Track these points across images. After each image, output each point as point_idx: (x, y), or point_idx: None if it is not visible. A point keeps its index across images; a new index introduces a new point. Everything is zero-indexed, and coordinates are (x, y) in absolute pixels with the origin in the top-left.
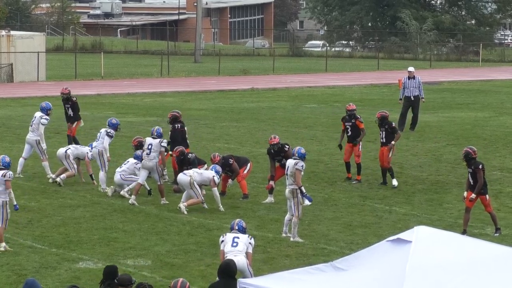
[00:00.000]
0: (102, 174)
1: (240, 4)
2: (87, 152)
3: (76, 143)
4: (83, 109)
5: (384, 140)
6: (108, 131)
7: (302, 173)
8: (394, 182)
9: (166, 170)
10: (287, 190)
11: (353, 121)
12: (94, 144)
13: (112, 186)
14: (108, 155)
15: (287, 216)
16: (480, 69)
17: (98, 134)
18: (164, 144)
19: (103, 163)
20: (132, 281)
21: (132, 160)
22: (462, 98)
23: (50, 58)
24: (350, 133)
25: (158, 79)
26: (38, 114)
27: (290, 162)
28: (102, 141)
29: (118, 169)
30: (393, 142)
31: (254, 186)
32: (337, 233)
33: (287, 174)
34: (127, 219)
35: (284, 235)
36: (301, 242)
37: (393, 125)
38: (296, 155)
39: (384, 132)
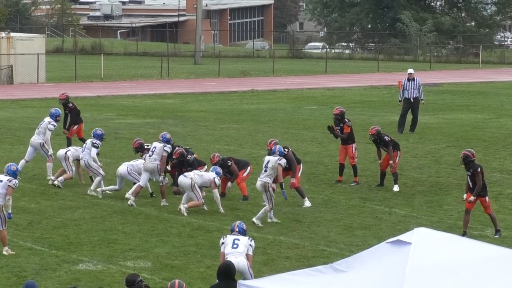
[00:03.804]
0: (99, 179)
1: (240, 6)
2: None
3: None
4: (83, 111)
5: (386, 150)
6: (94, 141)
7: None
8: (396, 188)
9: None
10: (259, 183)
11: (341, 125)
12: (81, 155)
13: (99, 189)
14: (99, 163)
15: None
16: (480, 71)
17: (84, 145)
18: (167, 149)
19: (96, 171)
20: (136, 282)
21: (141, 161)
22: (462, 100)
23: (50, 60)
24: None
25: (158, 81)
26: (47, 119)
27: (272, 158)
28: (89, 152)
29: (127, 163)
30: (391, 162)
31: (254, 187)
32: (337, 235)
33: (266, 167)
34: (127, 220)
35: (269, 220)
36: (261, 226)
37: (387, 140)
38: (277, 153)
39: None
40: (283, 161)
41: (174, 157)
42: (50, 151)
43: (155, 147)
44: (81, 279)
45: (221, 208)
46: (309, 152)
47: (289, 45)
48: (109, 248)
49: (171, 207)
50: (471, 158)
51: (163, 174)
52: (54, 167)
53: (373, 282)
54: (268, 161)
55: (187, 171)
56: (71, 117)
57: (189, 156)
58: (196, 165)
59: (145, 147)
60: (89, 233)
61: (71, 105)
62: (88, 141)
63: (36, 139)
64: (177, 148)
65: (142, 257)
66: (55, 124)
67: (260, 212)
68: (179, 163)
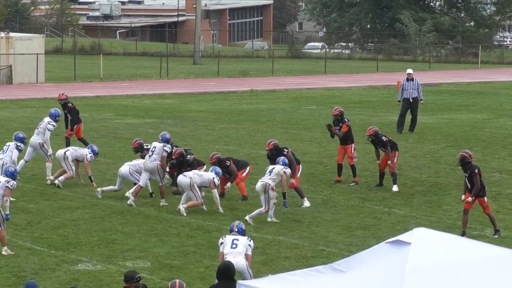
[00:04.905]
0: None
1: (239, 6)
2: (86, 154)
3: (86, 144)
4: (82, 111)
5: (384, 151)
6: (18, 144)
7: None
8: (395, 188)
9: (166, 175)
10: (259, 184)
11: (340, 124)
12: (0, 156)
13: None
14: (17, 167)
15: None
16: (479, 71)
17: (6, 147)
18: (167, 149)
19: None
20: (135, 278)
21: (142, 161)
22: (461, 100)
23: (49, 60)
24: (340, 135)
25: (157, 81)
26: (46, 119)
27: (277, 166)
28: (10, 154)
29: (129, 163)
30: (389, 162)
31: (253, 188)
32: (336, 235)
33: (270, 172)
34: (126, 220)
35: (269, 219)
36: (252, 224)
37: (385, 141)
38: (281, 163)
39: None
40: (288, 171)
41: (173, 157)
42: (50, 151)
43: (154, 147)
44: (80, 279)
45: (221, 208)
46: (308, 152)
47: (288, 45)
48: (108, 248)
49: (170, 207)
50: (468, 159)
51: (166, 173)
52: (54, 167)
53: (372, 282)
54: (273, 168)
55: (187, 171)
56: (71, 117)
57: (189, 156)
58: (195, 165)
59: (145, 147)
60: (88, 233)
61: (70, 105)
62: (12, 144)
63: (35, 139)
64: (176, 148)
65: (141, 257)
66: (54, 124)
67: (255, 212)
68: (179, 163)
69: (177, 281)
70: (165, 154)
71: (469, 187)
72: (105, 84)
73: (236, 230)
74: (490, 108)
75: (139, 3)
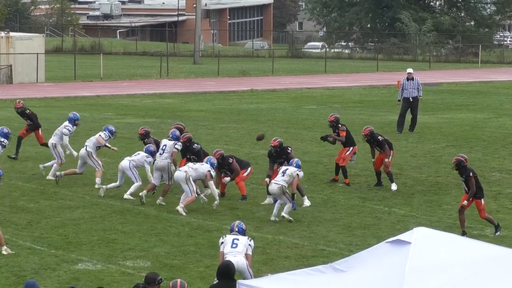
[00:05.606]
0: None
1: (239, 6)
2: (100, 134)
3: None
4: (82, 111)
5: (380, 150)
6: (1, 140)
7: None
8: (393, 187)
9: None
10: (275, 186)
11: (336, 131)
12: None
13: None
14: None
15: (278, 201)
16: (479, 71)
17: None
18: (178, 146)
19: None
20: (157, 280)
21: (142, 153)
22: (461, 100)
23: (49, 60)
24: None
25: (157, 80)
26: (65, 123)
27: (291, 168)
28: None
29: (129, 157)
30: (386, 160)
31: (253, 187)
32: (337, 235)
33: (284, 173)
34: (126, 220)
35: (273, 218)
36: (292, 220)
37: (380, 140)
38: (294, 165)
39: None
40: (301, 173)
41: (181, 141)
42: (62, 156)
43: (165, 145)
44: (81, 279)
45: (217, 199)
46: (309, 152)
47: (288, 45)
48: (108, 247)
49: (170, 206)
50: (464, 163)
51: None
52: (61, 168)
53: (372, 281)
54: (287, 169)
55: (191, 159)
56: (33, 122)
57: (195, 145)
58: (201, 155)
59: (151, 137)
60: (88, 233)
61: (28, 111)
62: None
63: (51, 140)
64: (185, 133)
65: (141, 256)
66: (70, 128)
67: (284, 209)
68: (185, 147)
69: (178, 280)
70: (175, 151)
71: (468, 190)
72: (105, 84)
73: (237, 229)
74: (490, 108)
75: (139, 2)
